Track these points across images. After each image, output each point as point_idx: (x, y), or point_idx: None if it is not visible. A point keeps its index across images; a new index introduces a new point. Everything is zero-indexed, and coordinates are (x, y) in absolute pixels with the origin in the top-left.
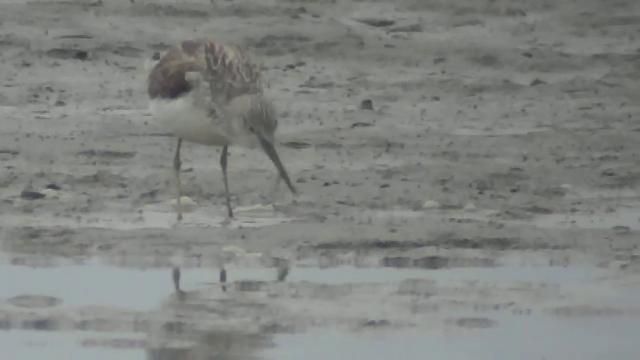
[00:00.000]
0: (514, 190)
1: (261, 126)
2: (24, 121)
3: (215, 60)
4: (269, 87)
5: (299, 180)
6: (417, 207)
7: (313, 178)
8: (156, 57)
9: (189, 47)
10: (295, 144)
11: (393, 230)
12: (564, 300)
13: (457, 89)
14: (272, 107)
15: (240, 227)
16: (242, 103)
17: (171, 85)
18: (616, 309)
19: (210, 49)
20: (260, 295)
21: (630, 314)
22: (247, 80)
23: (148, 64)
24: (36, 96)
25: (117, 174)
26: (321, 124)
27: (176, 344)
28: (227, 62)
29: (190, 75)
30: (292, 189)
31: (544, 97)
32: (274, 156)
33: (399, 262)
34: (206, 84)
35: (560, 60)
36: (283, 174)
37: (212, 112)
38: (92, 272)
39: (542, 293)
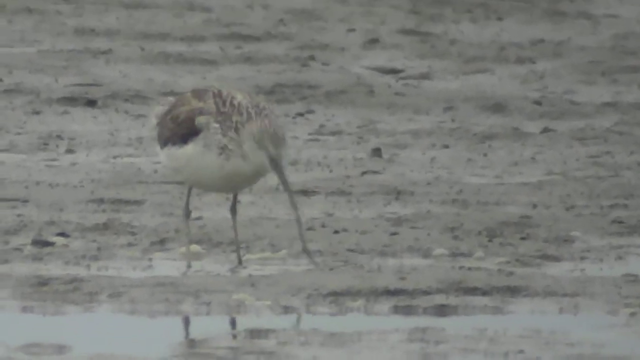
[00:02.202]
0: (523, 238)
1: (269, 142)
2: (34, 169)
3: (224, 103)
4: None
5: (309, 229)
6: (426, 255)
7: (323, 226)
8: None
9: (198, 93)
10: (305, 192)
11: (402, 278)
12: (574, 348)
13: (466, 136)
14: (280, 126)
15: (250, 275)
16: (252, 126)
17: (182, 130)
18: (625, 357)
19: (218, 95)
20: (269, 343)
21: None
22: (254, 116)
23: (154, 113)
24: (46, 144)
25: (126, 222)
26: (331, 171)
27: None
28: (235, 102)
29: (201, 120)
30: (298, 218)
31: (553, 145)
32: (281, 175)
33: (408, 310)
34: (216, 125)
35: (570, 108)
36: (289, 191)
37: (222, 150)
38: (101, 320)
39: (551, 341)
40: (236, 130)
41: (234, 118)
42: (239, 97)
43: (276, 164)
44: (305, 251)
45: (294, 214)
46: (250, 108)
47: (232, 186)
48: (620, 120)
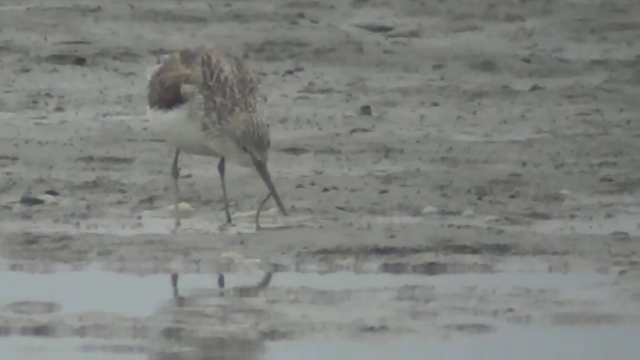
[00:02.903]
0: (512, 196)
1: (253, 146)
2: (23, 127)
3: (212, 75)
4: (266, 99)
5: (298, 186)
6: (416, 212)
7: (312, 184)
8: (159, 62)
9: (187, 58)
10: (294, 150)
11: (392, 236)
12: (563, 307)
13: (456, 94)
14: (265, 127)
15: (239, 233)
16: (235, 124)
17: (167, 96)
18: (615, 315)
19: (207, 62)
20: (259, 301)
21: (630, 320)
22: (238, 97)
23: (149, 71)
24: (35, 102)
25: (116, 180)
26: (320, 129)
27: (175, 349)
28: (222, 77)
29: (186, 88)
30: (283, 211)
31: (542, 103)
32: (265, 176)
33: (397, 268)
34: (200, 97)
35: (559, 65)
36: (274, 194)
37: (205, 127)
38: (90, 278)
39: (541, 299)
40: (219, 116)
41: (218, 99)
42: (227, 70)
43: (261, 166)
44: (274, 196)
45: (282, 214)
46: (236, 85)
47: (214, 154)
48: (610, 77)
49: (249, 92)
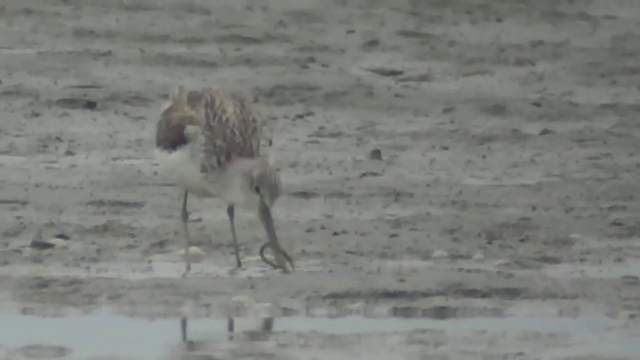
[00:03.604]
0: (522, 240)
1: (267, 189)
2: (33, 171)
3: (214, 117)
4: (271, 142)
5: (308, 230)
6: (426, 256)
7: (322, 228)
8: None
9: (193, 99)
10: (304, 194)
11: (402, 280)
12: (573, 350)
13: (466, 138)
14: (278, 174)
15: (249, 277)
16: (250, 163)
17: (172, 136)
18: (625, 359)
19: (210, 104)
20: (269, 345)
21: None
22: (239, 140)
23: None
24: (45, 146)
25: (126, 224)
26: (330, 173)
27: None
28: (223, 118)
29: (190, 130)
30: (281, 265)
31: (552, 147)
32: (269, 221)
33: (407, 312)
34: (202, 138)
35: (569, 109)
36: (275, 243)
37: (204, 169)
38: (101, 322)
39: (551, 343)
40: (218, 160)
41: (218, 142)
42: (229, 110)
43: (266, 214)
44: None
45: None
46: (237, 126)
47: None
48: (620, 122)
49: (251, 133)
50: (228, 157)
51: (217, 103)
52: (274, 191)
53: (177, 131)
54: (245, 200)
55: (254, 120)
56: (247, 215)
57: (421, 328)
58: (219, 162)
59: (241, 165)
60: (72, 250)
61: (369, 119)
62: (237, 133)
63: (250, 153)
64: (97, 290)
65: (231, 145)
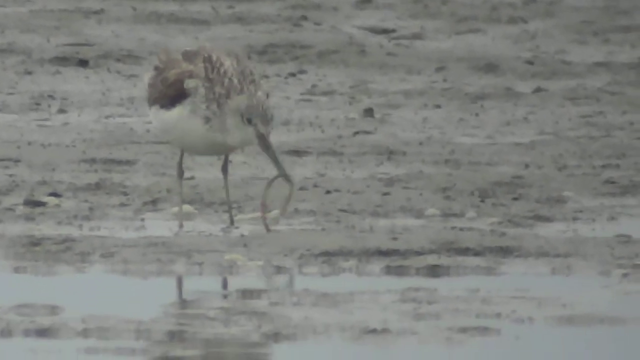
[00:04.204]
0: (515, 199)
1: (257, 117)
2: (26, 129)
3: (213, 69)
4: (268, 95)
5: (301, 188)
6: (418, 215)
7: (315, 186)
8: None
9: (189, 56)
10: (297, 152)
11: (395, 239)
12: (566, 309)
13: (458, 97)
14: (267, 101)
15: (242, 236)
16: (238, 100)
17: (170, 93)
18: (618, 317)
19: (208, 59)
20: (261, 304)
21: (632, 322)
22: (237, 86)
23: (146, 77)
24: (38, 104)
25: (119, 182)
26: (323, 132)
27: (178, 352)
28: (222, 70)
29: (190, 83)
30: (287, 178)
31: (545, 105)
32: (268, 148)
33: (400, 271)
34: (202, 90)
35: (562, 68)
36: (278, 165)
37: (207, 120)
38: (93, 281)
39: (543, 301)
40: (218, 104)
41: (217, 89)
42: (227, 63)
43: (264, 141)
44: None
45: (289, 186)
46: (235, 76)
47: (217, 152)
48: (613, 80)
49: (249, 83)
50: (228, 97)
51: (214, 57)
52: (264, 117)
53: (176, 87)
54: (242, 135)
55: (251, 73)
56: (241, 173)
57: (414, 286)
58: (219, 105)
59: (233, 104)
60: (65, 208)
61: (361, 78)
62: (235, 81)
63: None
64: (89, 249)
65: (229, 91)
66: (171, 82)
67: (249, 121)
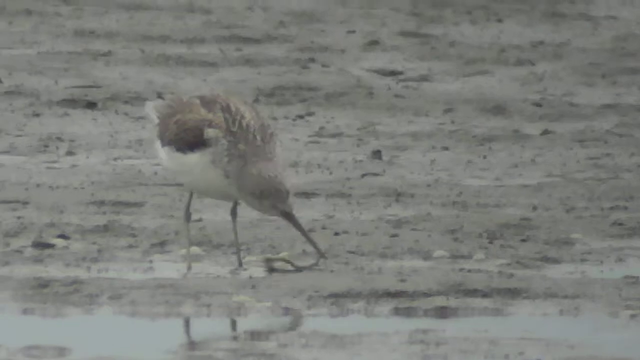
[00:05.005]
0: (523, 240)
1: (275, 200)
2: (34, 171)
3: (234, 122)
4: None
5: (309, 230)
6: (427, 257)
7: (323, 228)
8: (160, 96)
9: (206, 102)
10: (306, 194)
11: (403, 280)
12: (574, 350)
13: (466, 138)
14: (283, 176)
15: (250, 277)
16: (256, 177)
17: (188, 138)
18: (626, 359)
19: (226, 109)
20: (270, 345)
21: None
22: (259, 144)
23: (151, 106)
24: (46, 146)
25: (127, 224)
26: (331, 173)
27: None
28: (244, 124)
29: (210, 133)
30: (320, 254)
31: (553, 147)
32: (294, 223)
33: (409, 312)
34: (225, 142)
35: (570, 110)
36: (308, 238)
37: (227, 174)
38: (102, 322)
39: (552, 343)
40: (240, 163)
41: (240, 147)
42: (248, 117)
43: (288, 215)
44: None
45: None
46: (257, 132)
47: (230, 200)
48: (620, 122)
49: (269, 138)
50: (253, 164)
51: (233, 108)
52: (280, 197)
53: (194, 133)
54: (258, 206)
55: (269, 126)
56: (249, 214)
57: (422, 328)
58: (240, 166)
59: (252, 178)
60: (73, 250)
61: (369, 119)
62: (259, 138)
63: (268, 158)
64: (98, 291)
65: (252, 149)
66: (189, 128)
67: (266, 200)
